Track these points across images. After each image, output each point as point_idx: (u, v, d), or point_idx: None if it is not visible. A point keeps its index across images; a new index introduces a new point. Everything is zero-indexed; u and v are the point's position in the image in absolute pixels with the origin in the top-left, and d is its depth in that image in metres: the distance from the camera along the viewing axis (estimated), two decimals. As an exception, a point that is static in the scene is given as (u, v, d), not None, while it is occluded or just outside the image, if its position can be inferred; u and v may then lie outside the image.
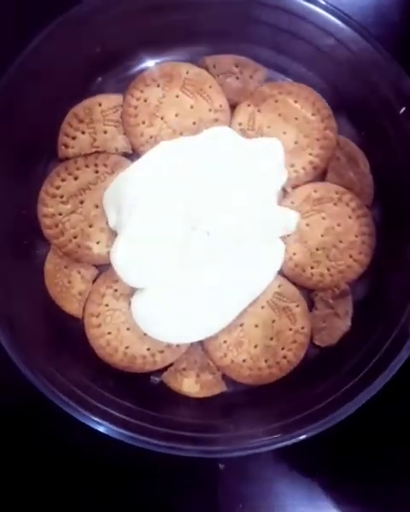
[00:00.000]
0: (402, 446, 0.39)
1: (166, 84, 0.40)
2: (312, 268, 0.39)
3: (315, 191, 0.40)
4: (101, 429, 0.32)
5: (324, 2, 0.37)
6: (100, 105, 0.39)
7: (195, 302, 0.36)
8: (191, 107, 0.40)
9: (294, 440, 0.32)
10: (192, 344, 0.38)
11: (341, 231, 0.39)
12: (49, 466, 0.39)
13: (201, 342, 0.38)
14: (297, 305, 0.39)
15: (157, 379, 0.38)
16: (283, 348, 0.38)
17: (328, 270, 0.39)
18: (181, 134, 0.39)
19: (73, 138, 0.39)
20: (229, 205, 0.36)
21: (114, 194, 0.37)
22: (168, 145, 0.37)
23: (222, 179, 0.36)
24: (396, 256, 0.37)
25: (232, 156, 0.37)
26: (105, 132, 0.39)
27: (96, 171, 0.39)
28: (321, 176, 0.40)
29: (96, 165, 0.39)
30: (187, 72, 0.40)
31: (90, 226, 0.38)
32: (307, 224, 0.39)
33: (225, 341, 0.38)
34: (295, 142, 0.40)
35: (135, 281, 0.36)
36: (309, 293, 0.39)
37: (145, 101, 0.39)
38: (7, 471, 0.39)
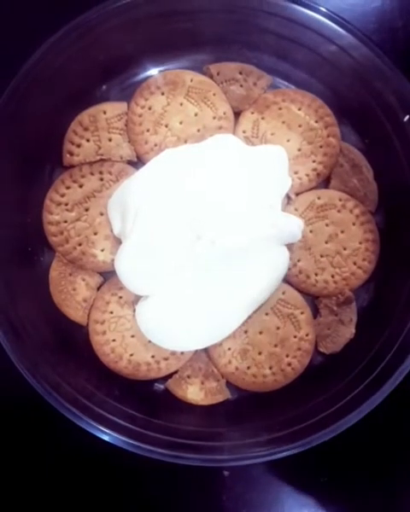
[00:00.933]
0: (408, 453, 0.39)
1: (171, 91, 0.40)
2: (316, 275, 0.39)
3: (319, 198, 0.40)
4: (105, 438, 0.32)
5: (325, 10, 0.37)
6: (105, 113, 0.40)
7: (199, 310, 0.36)
8: (196, 114, 0.40)
9: (298, 450, 0.32)
10: (197, 351, 0.38)
11: (344, 238, 0.39)
12: (52, 473, 0.39)
13: (205, 349, 0.38)
14: (302, 312, 0.39)
15: (161, 386, 0.38)
16: (287, 355, 0.38)
17: (332, 276, 0.39)
18: (185, 141, 0.40)
19: (78, 146, 0.39)
20: (234, 212, 0.36)
21: (118, 201, 0.37)
22: (172, 152, 0.37)
23: (226, 187, 0.36)
24: (400, 263, 0.37)
25: (236, 163, 0.37)
26: (110, 140, 0.40)
27: (101, 179, 0.39)
28: (325, 183, 0.40)
29: (101, 172, 0.39)
30: (191, 80, 0.40)
31: (95, 233, 0.39)
32: (311, 231, 0.39)
33: (229, 348, 0.38)
34: (299, 150, 0.40)
35: (139, 288, 0.36)
36: (314, 300, 0.39)
37: (150, 109, 0.40)
38: (10, 477, 0.39)
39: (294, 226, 0.38)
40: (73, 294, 0.38)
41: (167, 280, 0.36)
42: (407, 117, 0.35)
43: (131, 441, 0.32)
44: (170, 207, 0.36)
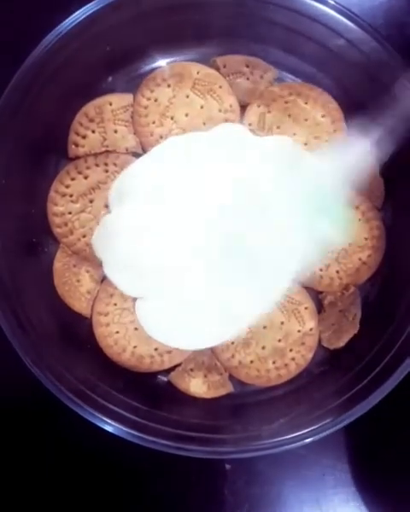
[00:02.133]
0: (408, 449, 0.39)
1: (177, 84, 0.40)
2: (321, 270, 0.39)
3: (325, 193, 0.40)
4: (108, 428, 0.32)
5: (333, 3, 0.36)
6: (110, 104, 0.39)
7: (202, 309, 0.36)
8: (201, 107, 0.40)
9: (301, 443, 0.32)
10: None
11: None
12: (55, 464, 0.39)
13: (208, 343, 0.38)
14: (306, 307, 0.38)
15: (165, 378, 0.38)
16: (291, 350, 0.38)
17: (337, 272, 0.39)
18: (191, 134, 0.39)
19: (84, 137, 0.39)
20: (241, 205, 0.36)
21: (119, 189, 0.37)
22: (176, 140, 0.37)
23: (232, 177, 0.36)
24: (406, 258, 0.37)
25: (242, 153, 0.37)
26: (115, 132, 0.39)
27: (106, 171, 0.39)
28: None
29: (106, 164, 0.39)
30: (197, 73, 0.40)
31: (100, 225, 0.39)
32: (317, 226, 0.39)
33: (232, 342, 0.38)
34: (305, 144, 0.40)
35: (133, 290, 0.37)
36: (318, 295, 0.39)
37: (156, 100, 0.39)
38: (12, 468, 0.39)
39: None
40: (77, 286, 0.38)
41: (166, 276, 0.36)
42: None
43: (134, 432, 0.32)
44: (173, 197, 0.36)
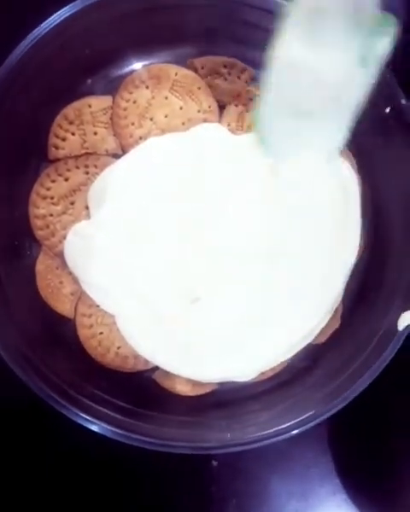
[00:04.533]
0: (392, 441, 0.40)
1: (156, 85, 0.40)
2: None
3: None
4: (94, 428, 0.32)
5: (308, 3, 0.37)
6: (90, 106, 0.40)
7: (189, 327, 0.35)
8: (180, 108, 0.40)
9: (286, 436, 0.32)
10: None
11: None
12: (41, 464, 0.39)
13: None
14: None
15: (150, 377, 0.38)
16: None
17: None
18: (170, 135, 0.40)
19: (63, 140, 0.39)
20: (224, 207, 0.36)
21: (99, 191, 0.37)
22: (156, 141, 0.37)
23: (213, 176, 0.36)
24: (383, 255, 0.38)
25: (221, 151, 0.37)
26: (95, 134, 0.40)
27: (87, 173, 0.39)
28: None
29: (86, 166, 0.39)
30: (176, 74, 0.40)
31: (81, 227, 0.39)
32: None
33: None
34: (284, 142, 0.40)
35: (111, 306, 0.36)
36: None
37: (134, 102, 0.40)
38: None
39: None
40: (59, 288, 0.38)
41: (149, 293, 0.35)
42: (388, 109, 0.36)
43: (119, 431, 0.32)
44: (153, 200, 0.36)
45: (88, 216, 0.38)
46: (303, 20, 0.28)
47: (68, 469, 0.39)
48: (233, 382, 0.37)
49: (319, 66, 0.29)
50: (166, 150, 0.38)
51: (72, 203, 0.39)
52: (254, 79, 0.41)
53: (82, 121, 0.39)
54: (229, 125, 0.40)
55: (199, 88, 0.40)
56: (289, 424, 0.32)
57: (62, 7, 0.36)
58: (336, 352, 0.37)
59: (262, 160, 0.37)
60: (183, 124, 0.40)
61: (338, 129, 0.32)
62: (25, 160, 0.39)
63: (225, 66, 0.41)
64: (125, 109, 0.40)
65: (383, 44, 0.30)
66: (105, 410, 0.33)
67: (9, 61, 0.35)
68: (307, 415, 0.32)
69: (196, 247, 0.36)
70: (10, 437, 0.39)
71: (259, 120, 0.32)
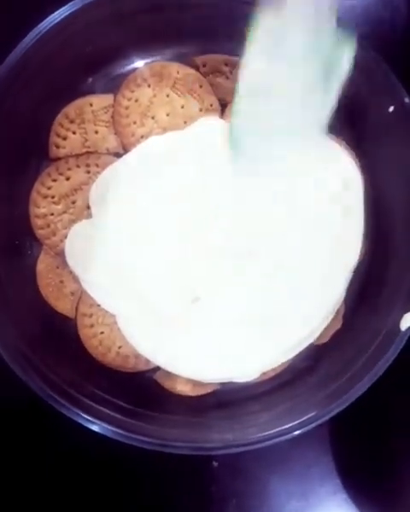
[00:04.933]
0: (392, 441, 0.40)
1: (157, 83, 0.40)
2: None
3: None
4: (95, 428, 0.32)
5: (312, 2, 0.37)
6: (91, 105, 0.39)
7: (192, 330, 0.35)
8: (182, 106, 0.40)
9: (287, 436, 0.32)
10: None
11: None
12: (41, 464, 0.39)
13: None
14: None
15: (151, 377, 0.38)
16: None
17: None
18: (172, 134, 0.40)
19: (65, 138, 0.39)
20: (225, 206, 0.36)
21: (100, 190, 0.37)
22: (158, 140, 0.37)
23: (214, 175, 0.36)
24: (385, 255, 0.38)
25: (222, 150, 0.37)
26: (96, 132, 0.40)
27: (88, 172, 0.39)
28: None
29: (87, 165, 0.39)
30: (177, 72, 0.40)
31: (82, 226, 0.39)
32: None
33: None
34: (286, 141, 0.40)
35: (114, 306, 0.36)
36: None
37: (136, 101, 0.40)
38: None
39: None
40: (60, 287, 0.38)
41: (151, 292, 0.35)
42: (391, 108, 0.36)
43: (120, 431, 0.32)
44: (154, 196, 0.36)
45: (89, 215, 0.38)
46: (267, 35, 0.29)
47: (68, 469, 0.39)
48: (234, 383, 0.37)
49: (284, 79, 0.30)
50: (168, 149, 0.37)
51: (73, 202, 0.39)
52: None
53: (83, 120, 0.39)
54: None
55: (201, 86, 0.40)
56: (290, 425, 0.32)
57: (63, 5, 0.35)
58: (338, 352, 0.37)
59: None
60: (185, 122, 0.40)
61: (313, 130, 0.34)
62: (25, 159, 0.39)
63: (226, 65, 0.40)
64: (126, 108, 0.40)
65: (345, 60, 0.31)
66: (106, 410, 0.33)
67: (10, 60, 0.35)
68: (308, 416, 0.32)
69: (197, 247, 0.36)
70: (10, 437, 0.39)
71: (232, 131, 0.34)
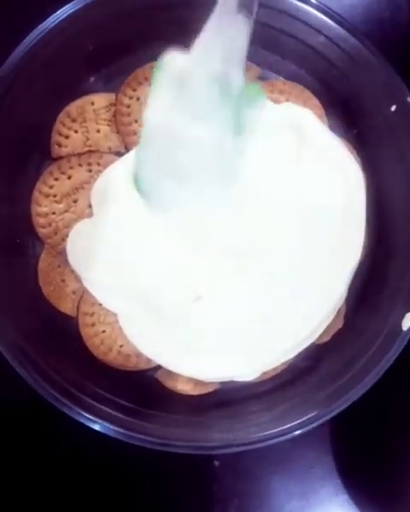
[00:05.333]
0: (393, 441, 0.40)
1: (159, 82, 0.40)
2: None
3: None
4: (96, 427, 0.32)
5: (314, 1, 0.37)
6: (93, 104, 0.39)
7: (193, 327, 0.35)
8: (184, 105, 0.40)
9: (288, 436, 0.32)
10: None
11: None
12: (41, 464, 0.39)
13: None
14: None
15: (152, 376, 0.38)
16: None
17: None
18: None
19: (66, 137, 0.39)
20: (226, 206, 0.36)
21: (101, 189, 0.37)
22: None
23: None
24: (387, 255, 0.37)
25: None
26: (98, 131, 0.40)
27: (90, 171, 0.39)
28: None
29: (89, 164, 0.39)
30: (180, 71, 0.40)
31: (84, 225, 0.39)
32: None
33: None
34: (288, 141, 0.40)
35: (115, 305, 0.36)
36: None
37: (138, 99, 0.40)
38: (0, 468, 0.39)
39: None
40: (62, 286, 0.38)
41: (153, 292, 0.35)
42: (393, 107, 0.36)
43: (121, 430, 0.32)
44: None
45: (91, 214, 0.38)
46: (171, 87, 0.28)
47: (68, 469, 0.39)
48: (235, 382, 0.37)
49: (190, 131, 0.30)
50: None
51: (74, 201, 0.39)
52: (259, 78, 0.41)
53: (85, 119, 0.39)
54: (232, 123, 0.40)
55: (203, 85, 0.40)
56: (291, 424, 0.32)
57: (64, 4, 0.35)
58: (340, 352, 0.36)
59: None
60: (186, 121, 0.40)
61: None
62: (27, 158, 0.39)
63: (229, 64, 0.40)
64: (128, 106, 0.40)
65: (254, 113, 0.31)
66: (107, 409, 0.33)
67: (12, 59, 0.35)
68: (309, 415, 0.32)
69: (198, 246, 0.36)
70: (10, 437, 0.39)
71: (137, 175, 0.34)
